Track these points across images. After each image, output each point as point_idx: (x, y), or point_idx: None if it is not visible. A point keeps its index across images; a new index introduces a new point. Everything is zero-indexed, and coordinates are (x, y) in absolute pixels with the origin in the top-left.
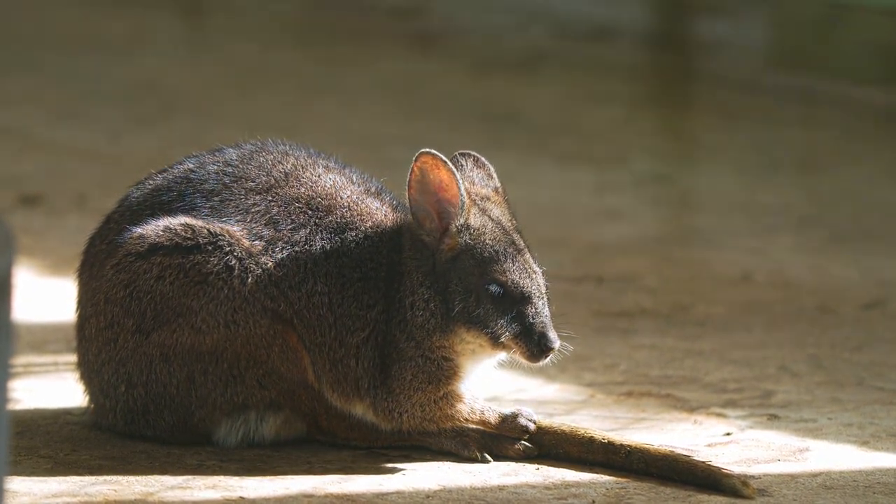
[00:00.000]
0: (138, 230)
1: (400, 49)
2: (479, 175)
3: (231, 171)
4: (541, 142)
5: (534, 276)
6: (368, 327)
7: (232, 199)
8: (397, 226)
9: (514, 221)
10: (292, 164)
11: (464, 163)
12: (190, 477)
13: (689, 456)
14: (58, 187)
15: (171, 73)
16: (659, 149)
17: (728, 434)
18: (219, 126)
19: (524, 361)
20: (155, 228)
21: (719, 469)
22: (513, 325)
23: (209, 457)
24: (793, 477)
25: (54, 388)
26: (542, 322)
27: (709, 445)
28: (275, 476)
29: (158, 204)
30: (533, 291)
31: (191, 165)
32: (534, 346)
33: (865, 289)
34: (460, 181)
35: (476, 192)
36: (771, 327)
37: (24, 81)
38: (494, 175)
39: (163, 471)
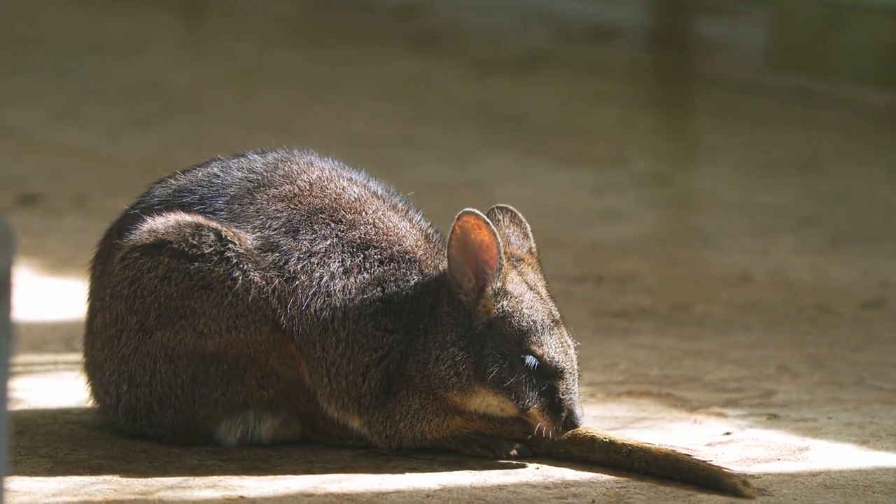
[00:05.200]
0: (148, 224)
1: (400, 49)
2: (515, 233)
3: (255, 177)
4: (541, 142)
5: (568, 350)
6: (383, 350)
7: (253, 205)
8: (427, 256)
9: (548, 286)
10: (317, 175)
11: (500, 217)
12: (190, 476)
13: (690, 455)
14: (58, 187)
15: (171, 73)
16: (659, 149)
17: (728, 433)
18: (219, 126)
19: (546, 432)
20: (165, 223)
21: (720, 468)
22: (543, 399)
23: (209, 456)
24: (793, 476)
25: (54, 387)
26: (570, 399)
27: (709, 445)
28: (275, 475)
29: (179, 205)
30: (566, 367)
31: (216, 170)
32: (560, 422)
33: (865, 289)
34: (500, 245)
35: (512, 252)
36: (771, 327)
37: (24, 81)
38: (530, 234)
39: (163, 470)
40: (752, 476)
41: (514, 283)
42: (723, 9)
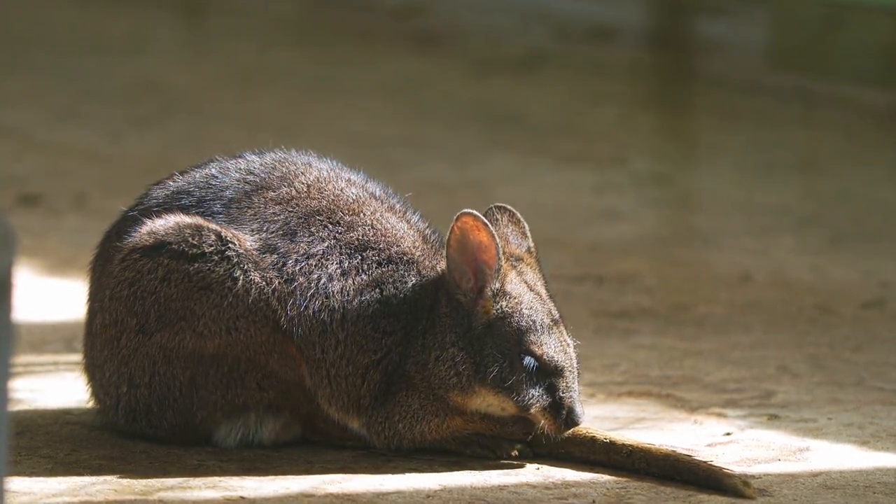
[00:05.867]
0: (148, 225)
1: (400, 49)
2: (513, 232)
3: (253, 179)
4: (541, 142)
5: (567, 349)
6: (381, 351)
7: (251, 208)
8: (425, 257)
9: (547, 286)
10: (315, 177)
11: (499, 217)
12: (190, 477)
13: (690, 456)
14: (58, 187)
15: (171, 73)
16: (659, 149)
17: (728, 434)
18: (219, 126)
19: (547, 431)
20: (165, 224)
21: (721, 469)
22: (543, 397)
23: (209, 457)
24: (793, 477)
25: (54, 388)
26: (571, 397)
27: (709, 445)
28: (275, 476)
29: (177, 207)
30: (566, 365)
31: (214, 171)
32: (561, 420)
33: (865, 289)
34: (499, 245)
35: (510, 251)
36: (771, 327)
37: (24, 81)
38: (528, 233)
39: (163, 470)
40: (753, 476)
41: (513, 283)
42: (723, 9)
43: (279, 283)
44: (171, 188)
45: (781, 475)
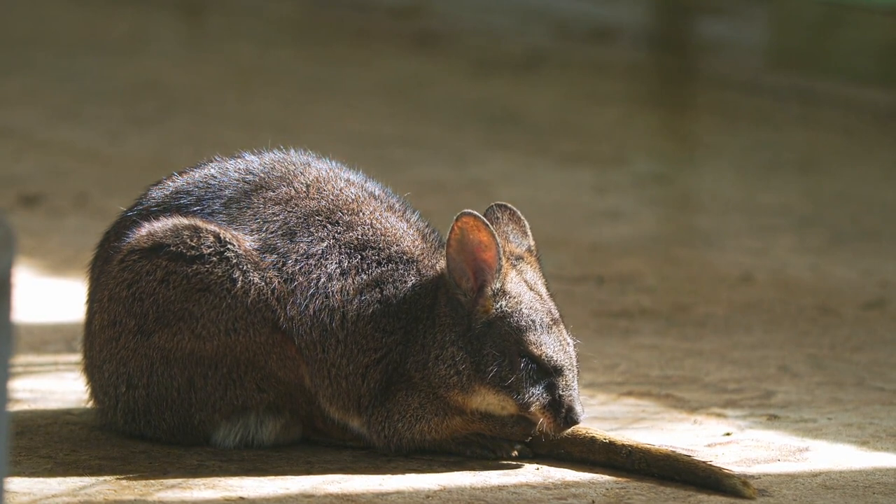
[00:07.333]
0: (146, 227)
1: (400, 49)
2: (514, 231)
3: (252, 179)
4: (541, 142)
5: (567, 348)
6: (382, 351)
7: (250, 208)
8: (424, 256)
9: (547, 284)
10: (314, 177)
11: (499, 215)
12: (190, 477)
13: (689, 456)
14: (58, 187)
15: (171, 73)
16: (659, 149)
17: (728, 434)
18: (219, 126)
19: (546, 429)
20: (163, 226)
21: (720, 469)
22: (543, 396)
23: (209, 457)
24: (793, 477)
25: (54, 388)
26: (570, 395)
27: (709, 445)
28: (275, 476)
29: (176, 207)
30: (565, 364)
31: (213, 171)
32: (560, 418)
33: (865, 289)
34: (500, 245)
35: (511, 250)
36: (771, 327)
37: (23, 81)
38: (529, 231)
39: (163, 471)
40: (752, 477)
41: (514, 282)
42: (723, 9)
43: (279, 283)
44: (170, 189)
45: (781, 475)
